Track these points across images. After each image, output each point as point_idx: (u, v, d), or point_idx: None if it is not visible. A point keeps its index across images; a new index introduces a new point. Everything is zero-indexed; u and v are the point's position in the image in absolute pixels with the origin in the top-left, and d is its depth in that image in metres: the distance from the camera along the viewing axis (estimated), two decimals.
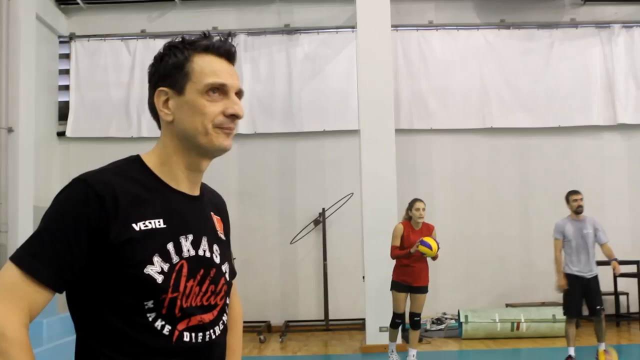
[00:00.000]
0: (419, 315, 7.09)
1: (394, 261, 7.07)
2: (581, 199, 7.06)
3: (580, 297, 7.00)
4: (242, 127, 10.12)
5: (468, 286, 10.17)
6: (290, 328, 9.79)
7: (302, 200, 10.32)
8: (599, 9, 10.91)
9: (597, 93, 10.70)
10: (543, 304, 9.61)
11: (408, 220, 7.09)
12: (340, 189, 9.99)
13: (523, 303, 9.84)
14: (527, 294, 10.17)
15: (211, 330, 1.51)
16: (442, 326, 9.30)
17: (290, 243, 10.16)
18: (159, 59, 1.53)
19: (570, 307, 7.04)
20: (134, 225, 1.41)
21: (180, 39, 1.54)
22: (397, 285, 7.03)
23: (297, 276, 10.29)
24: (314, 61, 10.45)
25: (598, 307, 6.96)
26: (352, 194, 9.71)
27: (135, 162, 1.53)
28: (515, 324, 8.77)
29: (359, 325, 9.52)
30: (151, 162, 1.53)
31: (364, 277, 8.38)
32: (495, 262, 10.20)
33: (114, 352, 1.41)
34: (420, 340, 8.33)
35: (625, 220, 10.53)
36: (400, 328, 7.35)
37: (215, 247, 1.56)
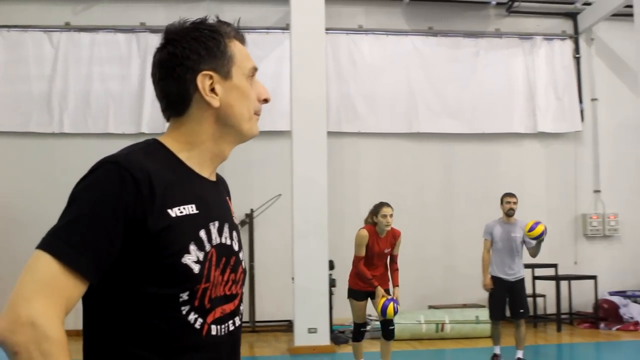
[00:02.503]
0: (392, 322, 6.45)
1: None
2: (515, 202, 7.16)
3: (505, 299, 7.07)
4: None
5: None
6: None
7: (232, 201, 10.20)
8: (522, 21, 11.26)
9: (519, 102, 11.04)
10: (465, 306, 9.83)
11: (373, 225, 6.48)
12: (268, 190, 9.96)
13: (445, 305, 10.04)
14: (449, 296, 10.38)
15: (231, 321, 1.46)
16: (367, 327, 9.37)
17: None
18: (195, 40, 1.45)
19: (494, 310, 7.14)
20: (169, 211, 1.34)
21: (212, 21, 1.50)
22: (356, 293, 6.50)
23: None
24: None
25: (521, 310, 7.03)
26: (280, 195, 9.70)
27: (157, 145, 1.44)
28: (440, 325, 8.94)
29: (284, 327, 9.51)
30: (173, 147, 1.45)
31: (293, 279, 8.38)
32: (418, 265, 10.35)
33: (141, 349, 1.32)
34: (346, 342, 8.38)
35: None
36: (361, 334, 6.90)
37: (234, 233, 1.52)
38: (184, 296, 1.34)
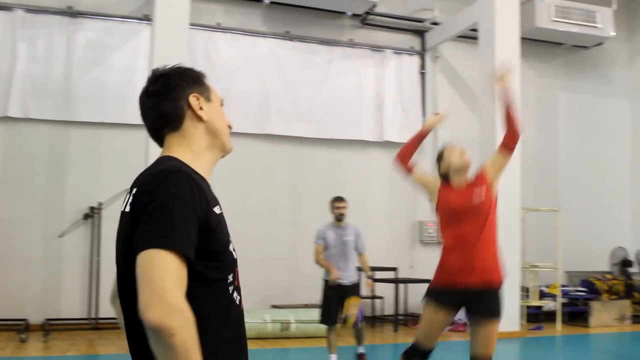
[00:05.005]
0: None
1: None
2: (344, 207, 7.04)
3: (338, 304, 6.86)
4: (11, 109, 9.43)
5: None
6: (52, 326, 9.25)
7: (74, 193, 9.78)
8: (375, 34, 11.74)
9: (368, 111, 11.47)
10: (306, 306, 10.07)
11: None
12: (117, 184, 9.66)
13: (288, 305, 10.24)
14: (292, 295, 10.59)
15: (241, 296, 1.76)
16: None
17: (59, 237, 9.63)
18: (182, 74, 1.82)
19: (327, 315, 6.97)
20: (215, 209, 1.65)
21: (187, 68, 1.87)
22: (438, 294, 4.60)
23: (62, 272, 9.74)
24: (97, 49, 9.95)
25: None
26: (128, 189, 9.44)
27: (175, 159, 1.73)
28: (285, 325, 9.11)
29: None
30: (185, 158, 1.75)
31: None
32: (264, 265, 10.48)
33: (213, 324, 1.60)
34: None
35: (384, 230, 11.41)
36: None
37: None
38: (230, 278, 1.67)
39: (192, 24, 9.35)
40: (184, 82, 1.80)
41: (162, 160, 1.70)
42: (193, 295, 1.51)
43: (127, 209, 1.62)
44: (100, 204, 9.74)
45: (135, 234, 1.52)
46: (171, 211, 1.51)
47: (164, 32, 8.44)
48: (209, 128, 1.81)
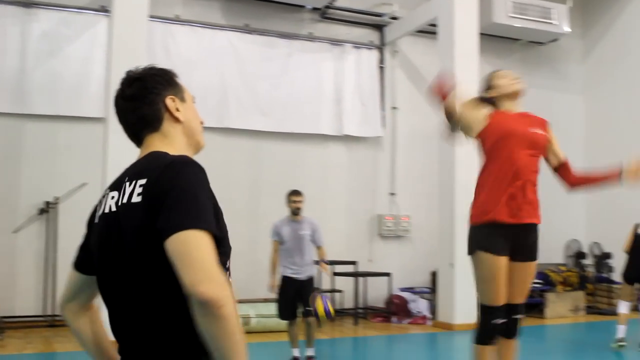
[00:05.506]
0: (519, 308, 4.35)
1: None
2: (300, 201, 6.98)
3: (294, 299, 6.87)
4: None
5: None
6: (7, 324, 9.05)
7: (29, 187, 9.57)
8: (334, 27, 11.75)
9: (327, 105, 11.48)
10: (266, 300, 10.04)
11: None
12: (74, 178, 9.50)
13: (248, 299, 10.19)
14: (252, 290, 10.54)
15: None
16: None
17: (13, 232, 9.41)
18: (157, 75, 1.88)
19: (283, 310, 6.96)
20: (216, 200, 1.73)
21: (160, 67, 1.93)
22: (492, 241, 4.16)
23: (17, 269, 9.53)
24: (52, 40, 9.74)
25: (308, 308, 6.77)
26: (86, 183, 9.30)
27: (168, 154, 1.80)
28: (246, 319, 9.08)
29: None
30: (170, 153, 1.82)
31: None
32: None
33: None
34: None
35: (343, 224, 11.44)
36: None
37: None
38: (228, 263, 1.78)
39: (150, 16, 9.22)
40: (160, 85, 1.87)
41: (158, 155, 1.76)
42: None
43: (137, 200, 1.65)
44: (57, 198, 9.56)
45: (161, 219, 1.58)
46: (196, 196, 1.61)
47: (122, 24, 8.28)
48: (185, 128, 1.89)
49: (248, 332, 9.02)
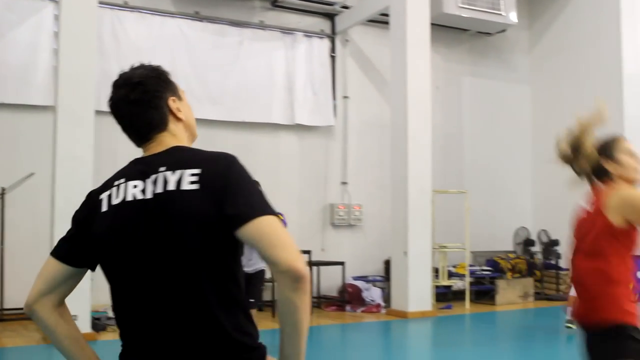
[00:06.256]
0: None
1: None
2: None
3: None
4: None
5: None
6: None
7: None
8: (285, 16, 11.67)
9: (279, 94, 11.41)
10: None
11: None
12: (19, 168, 9.22)
13: None
14: None
15: None
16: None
17: None
18: (156, 78, 1.94)
19: None
20: None
21: (155, 66, 2.00)
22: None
23: None
24: None
25: (252, 300, 6.37)
26: (33, 173, 9.04)
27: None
28: None
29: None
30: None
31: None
32: None
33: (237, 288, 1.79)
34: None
35: (295, 213, 11.38)
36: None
37: None
38: None
39: (99, 2, 9.00)
40: (162, 88, 1.94)
41: (189, 149, 1.91)
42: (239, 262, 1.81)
43: (191, 187, 1.73)
44: (4, 189, 9.26)
45: (233, 206, 1.70)
46: (255, 186, 1.78)
47: (72, 10, 8.03)
48: (186, 124, 1.99)
49: None
